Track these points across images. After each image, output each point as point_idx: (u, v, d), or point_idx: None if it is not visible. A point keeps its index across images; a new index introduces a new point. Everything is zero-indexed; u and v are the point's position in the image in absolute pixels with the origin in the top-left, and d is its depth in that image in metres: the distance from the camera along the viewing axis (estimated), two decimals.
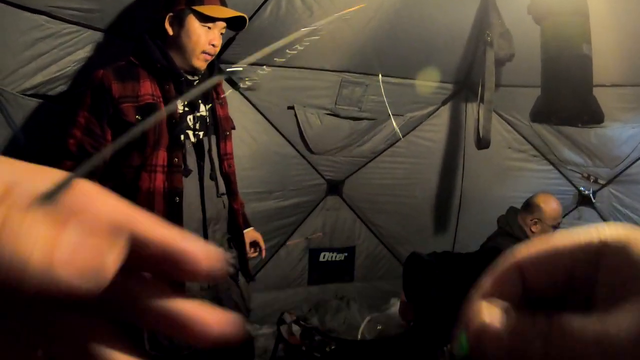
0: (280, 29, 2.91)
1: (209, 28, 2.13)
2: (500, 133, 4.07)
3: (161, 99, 2.09)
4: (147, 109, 2.04)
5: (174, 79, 2.13)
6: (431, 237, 4.62)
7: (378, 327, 3.97)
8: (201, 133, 2.22)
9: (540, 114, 3.01)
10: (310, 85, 3.53)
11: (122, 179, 2.08)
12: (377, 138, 4.09)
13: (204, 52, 2.14)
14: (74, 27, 2.28)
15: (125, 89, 2.03)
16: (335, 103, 3.69)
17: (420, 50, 3.50)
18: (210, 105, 2.27)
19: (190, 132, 2.19)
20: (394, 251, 4.72)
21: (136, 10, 2.43)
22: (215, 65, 2.32)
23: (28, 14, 2.06)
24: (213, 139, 2.28)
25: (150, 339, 2.07)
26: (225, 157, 2.31)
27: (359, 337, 3.94)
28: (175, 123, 2.10)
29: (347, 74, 3.57)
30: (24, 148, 2.52)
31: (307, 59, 3.33)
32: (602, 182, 3.93)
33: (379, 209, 4.54)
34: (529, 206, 3.39)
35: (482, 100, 3.43)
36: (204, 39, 2.12)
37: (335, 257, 4.55)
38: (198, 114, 2.22)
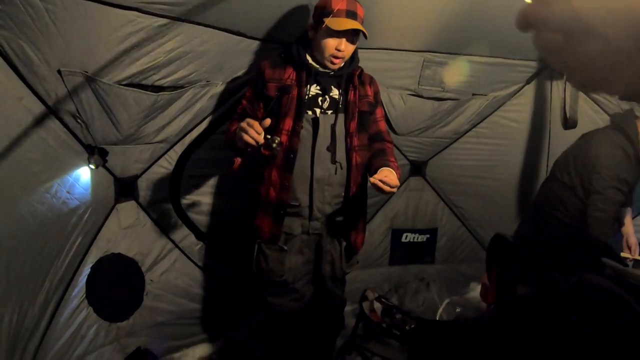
0: (373, 9, 2.90)
1: (336, 36, 2.57)
2: (586, 113, 3.87)
3: (295, 83, 2.69)
4: (284, 88, 2.69)
5: (307, 70, 2.69)
6: (514, 221, 4.53)
7: (457, 310, 3.96)
8: (329, 111, 2.72)
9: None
10: (393, 67, 3.49)
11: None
12: (461, 119, 4.03)
13: (332, 55, 2.61)
14: (163, 20, 2.40)
15: (274, 73, 2.71)
16: (418, 83, 3.65)
17: (502, 27, 3.35)
18: (342, 89, 2.75)
19: (317, 110, 2.71)
20: (475, 234, 4.67)
21: (221, 2, 2.54)
22: (356, 56, 2.76)
23: (120, 11, 2.19)
24: (342, 117, 2.75)
25: (255, 262, 2.85)
26: (350, 133, 2.75)
27: (437, 319, 3.95)
28: (303, 101, 2.67)
29: (429, 53, 3.50)
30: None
31: (389, 39, 3.30)
32: None
33: (462, 191, 4.50)
34: None
35: None
36: (331, 45, 2.59)
37: (417, 238, 4.57)
38: (328, 96, 2.72)
